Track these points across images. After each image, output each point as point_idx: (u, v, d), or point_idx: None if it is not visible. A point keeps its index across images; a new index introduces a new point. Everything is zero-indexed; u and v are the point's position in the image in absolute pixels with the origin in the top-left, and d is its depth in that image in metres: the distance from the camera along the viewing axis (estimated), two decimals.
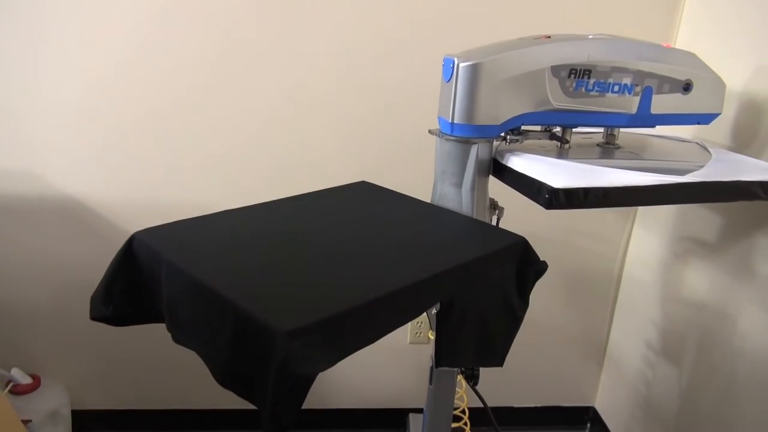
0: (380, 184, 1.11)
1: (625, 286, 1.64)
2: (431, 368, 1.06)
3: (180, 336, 0.73)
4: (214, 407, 1.67)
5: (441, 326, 0.79)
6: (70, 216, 1.43)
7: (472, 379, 1.09)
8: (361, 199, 1.03)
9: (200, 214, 0.89)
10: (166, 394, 1.65)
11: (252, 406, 0.62)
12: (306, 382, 0.57)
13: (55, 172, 1.39)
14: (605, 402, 1.75)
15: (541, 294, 0.91)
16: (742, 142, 1.16)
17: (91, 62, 1.31)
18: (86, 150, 1.38)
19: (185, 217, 0.87)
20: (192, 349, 0.71)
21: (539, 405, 1.79)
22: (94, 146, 1.38)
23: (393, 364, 1.68)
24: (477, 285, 0.79)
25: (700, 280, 1.29)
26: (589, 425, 1.81)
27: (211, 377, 0.67)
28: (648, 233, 1.53)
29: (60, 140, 1.37)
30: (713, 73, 1.00)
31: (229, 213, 0.90)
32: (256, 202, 0.96)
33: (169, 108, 1.37)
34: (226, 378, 0.64)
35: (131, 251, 0.80)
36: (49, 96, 1.33)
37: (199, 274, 0.69)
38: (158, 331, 0.87)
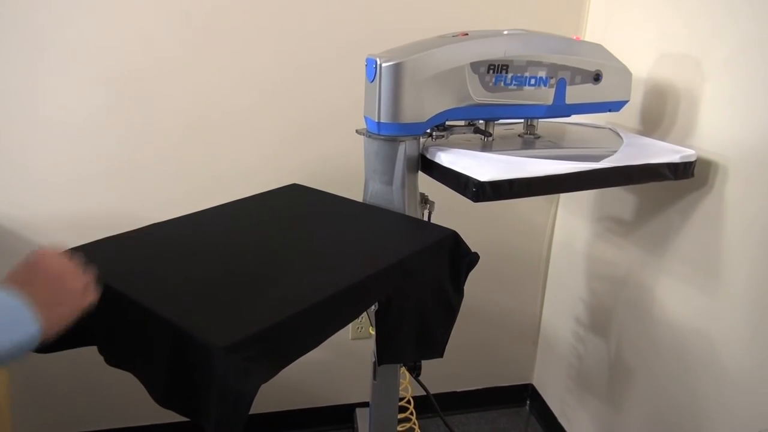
0: (311, 186, 1.11)
1: (554, 267, 1.72)
2: (374, 364, 1.07)
3: (114, 359, 0.71)
4: (153, 422, 1.62)
5: (380, 325, 0.81)
6: None
7: (415, 370, 1.12)
8: (294, 203, 1.03)
9: (129, 228, 0.86)
10: (100, 415, 1.58)
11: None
12: (248, 397, 0.57)
13: None
14: (542, 378, 1.83)
15: (474, 280, 0.94)
16: (650, 125, 1.23)
17: None
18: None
19: (113, 233, 0.84)
20: (128, 371, 0.69)
21: (480, 387, 1.85)
22: (6, 157, 1.30)
23: (337, 361, 1.68)
24: (413, 281, 0.81)
25: (621, 256, 1.37)
26: (528, 402, 1.89)
27: (148, 395, 0.66)
28: (571, 215, 1.60)
29: None
30: (620, 63, 1.07)
31: (158, 226, 0.88)
32: (186, 211, 0.94)
33: (90, 116, 1.30)
34: (166, 398, 0.63)
35: None
36: None
37: (131, 293, 0.67)
38: (86, 353, 0.84)
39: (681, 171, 1.03)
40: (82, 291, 0.62)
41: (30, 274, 0.60)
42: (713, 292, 1.08)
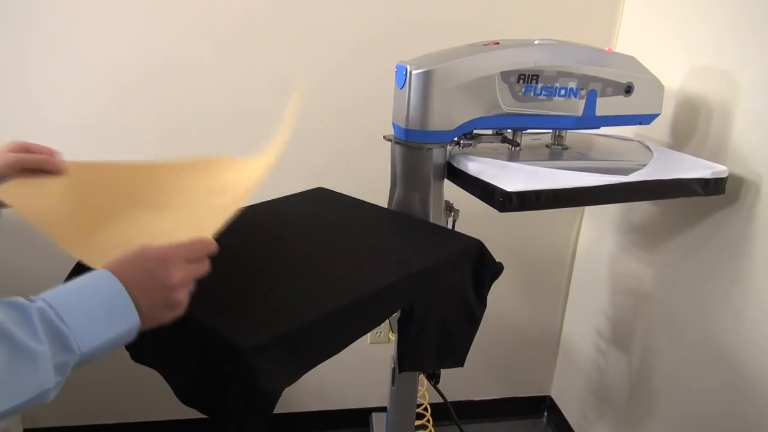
0: (336, 190, 1.12)
1: (576, 279, 1.70)
2: (393, 370, 1.07)
3: (139, 354, 0.72)
4: (174, 418, 1.64)
5: (403, 332, 0.81)
6: (16, 227, 1.38)
7: (434, 377, 1.11)
8: (319, 206, 1.03)
9: None
10: (122, 408, 1.61)
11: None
12: (272, 398, 0.57)
13: None
14: (560, 390, 1.81)
15: (496, 289, 0.93)
16: (681, 139, 1.22)
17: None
18: None
19: None
20: (152, 368, 0.70)
21: (498, 397, 1.84)
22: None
23: (355, 365, 1.68)
24: (436, 289, 0.81)
25: (646, 270, 1.35)
26: (546, 414, 1.87)
27: (171, 391, 0.67)
28: (596, 228, 1.58)
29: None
30: (652, 75, 1.05)
31: None
32: None
33: (117, 108, 1.33)
34: (190, 396, 0.64)
35: (85, 267, 0.78)
36: None
37: None
38: None
39: (712, 187, 1.02)
40: (181, 287, 0.55)
41: (129, 262, 0.55)
42: (742, 312, 1.06)
